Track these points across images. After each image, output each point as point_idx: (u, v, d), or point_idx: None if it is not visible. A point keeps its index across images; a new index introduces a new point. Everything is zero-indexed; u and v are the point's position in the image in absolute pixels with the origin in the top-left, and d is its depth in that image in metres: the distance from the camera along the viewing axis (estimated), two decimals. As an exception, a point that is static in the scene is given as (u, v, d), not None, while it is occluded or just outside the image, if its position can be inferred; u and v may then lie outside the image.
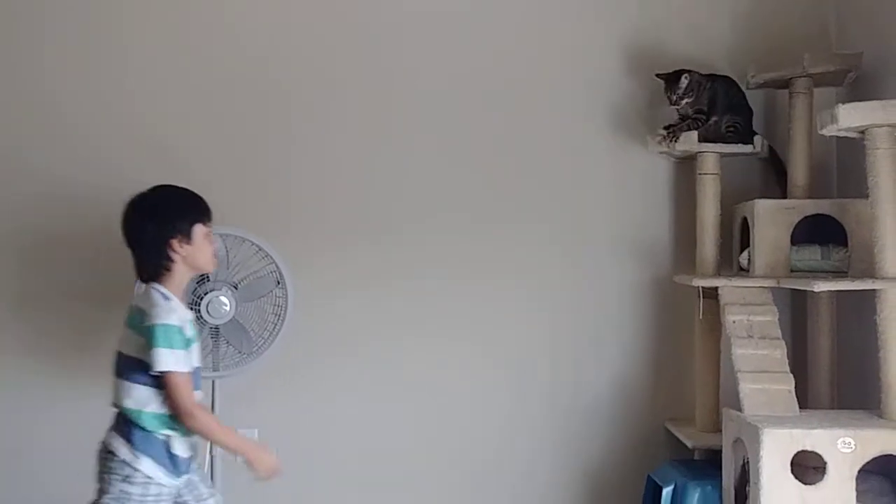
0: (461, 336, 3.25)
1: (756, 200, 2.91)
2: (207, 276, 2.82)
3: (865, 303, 2.58)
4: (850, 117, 2.44)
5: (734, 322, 2.74)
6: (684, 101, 3.00)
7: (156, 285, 2.23)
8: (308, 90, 3.24)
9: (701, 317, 3.02)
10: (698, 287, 2.97)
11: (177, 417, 2.14)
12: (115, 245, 3.13)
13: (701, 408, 3.07)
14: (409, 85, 3.25)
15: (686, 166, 3.18)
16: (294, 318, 2.90)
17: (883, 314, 2.47)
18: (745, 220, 2.98)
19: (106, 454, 2.17)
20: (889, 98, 2.50)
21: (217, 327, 2.84)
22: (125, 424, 2.17)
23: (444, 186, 3.25)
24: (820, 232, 2.87)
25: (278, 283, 2.86)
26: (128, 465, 2.14)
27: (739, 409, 2.60)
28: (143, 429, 2.16)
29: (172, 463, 2.20)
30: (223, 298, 2.79)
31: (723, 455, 2.72)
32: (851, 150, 2.81)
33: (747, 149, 3.02)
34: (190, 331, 2.25)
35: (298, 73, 3.25)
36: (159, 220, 2.22)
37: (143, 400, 2.17)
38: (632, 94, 3.18)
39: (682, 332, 3.20)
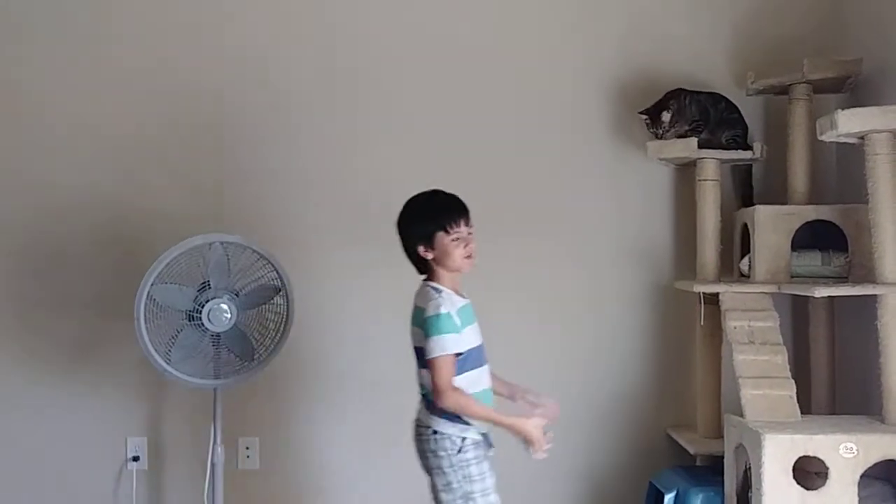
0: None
1: (756, 206, 2.92)
2: (209, 284, 2.83)
3: (866, 308, 2.58)
4: (849, 123, 2.45)
5: (735, 328, 2.74)
6: (671, 132, 3.03)
7: (428, 282, 2.46)
8: (312, 98, 3.25)
9: (702, 323, 3.02)
10: (699, 293, 2.97)
11: (435, 395, 2.35)
12: (115, 253, 3.19)
13: (702, 414, 3.08)
14: (411, 94, 3.26)
15: (686, 173, 3.19)
16: (296, 326, 2.90)
17: (883, 319, 2.47)
18: (745, 225, 2.98)
19: (432, 434, 2.40)
20: (888, 104, 2.52)
21: (218, 335, 2.83)
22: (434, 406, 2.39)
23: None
24: (820, 237, 2.87)
25: (279, 290, 2.86)
26: (456, 436, 2.39)
27: (741, 415, 2.60)
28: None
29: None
30: (224, 306, 2.79)
31: (724, 461, 2.72)
32: (851, 156, 2.82)
33: (747, 154, 3.03)
34: (458, 317, 2.41)
35: (303, 82, 3.25)
36: (408, 227, 2.46)
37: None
38: (632, 102, 3.18)
39: (684, 338, 3.20)
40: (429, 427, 2.41)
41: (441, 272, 2.44)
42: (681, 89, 3.05)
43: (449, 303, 2.39)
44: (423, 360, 2.38)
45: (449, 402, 2.35)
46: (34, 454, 3.21)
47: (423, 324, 2.37)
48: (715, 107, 3.05)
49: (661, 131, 3.03)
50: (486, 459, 2.46)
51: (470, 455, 2.41)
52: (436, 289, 2.42)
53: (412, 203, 2.47)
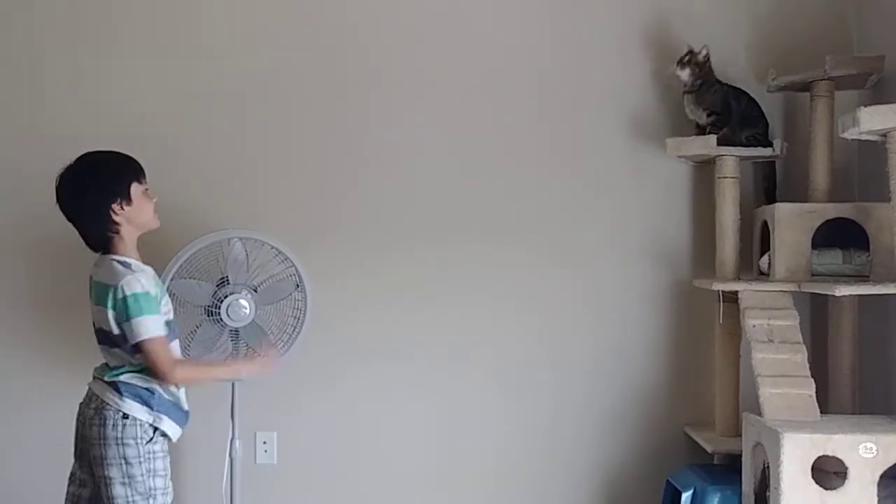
0: (479, 341, 3.25)
1: (776, 204, 2.90)
2: (227, 279, 2.84)
3: (887, 307, 2.57)
4: (871, 120, 2.42)
5: (754, 326, 2.73)
6: (687, 71, 3.00)
7: (111, 255, 2.32)
8: (332, 94, 3.25)
9: (721, 321, 3.01)
10: (718, 291, 2.96)
11: (159, 379, 2.27)
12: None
13: (721, 412, 3.06)
14: (426, 91, 3.26)
15: (705, 170, 3.17)
16: (314, 322, 2.91)
17: (905, 319, 2.46)
18: (765, 223, 2.97)
19: (121, 419, 2.26)
20: (911, 101, 2.48)
21: (237, 330, 2.85)
22: (127, 387, 2.29)
23: (463, 194, 3.26)
24: (841, 236, 2.85)
25: (297, 286, 2.88)
26: (150, 425, 2.30)
27: (759, 414, 2.59)
28: (149, 389, 2.31)
29: (178, 418, 2.38)
30: (243, 301, 2.81)
31: (742, 460, 2.71)
32: (873, 154, 2.79)
33: (766, 152, 3.00)
34: (156, 288, 2.34)
35: (321, 78, 3.26)
36: (96, 188, 2.29)
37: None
38: (651, 99, 3.18)
39: (702, 337, 3.19)
40: (119, 410, 2.27)
41: (125, 239, 2.31)
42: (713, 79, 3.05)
43: (144, 278, 2.28)
44: (114, 340, 2.28)
45: (179, 378, 2.28)
46: (52, 448, 3.23)
47: (117, 305, 2.24)
48: (738, 101, 3.03)
49: (687, 58, 3.01)
50: (169, 455, 2.37)
51: (158, 447, 2.32)
52: (123, 263, 2.29)
53: (89, 165, 2.33)
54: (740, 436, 2.74)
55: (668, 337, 3.24)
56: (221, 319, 2.81)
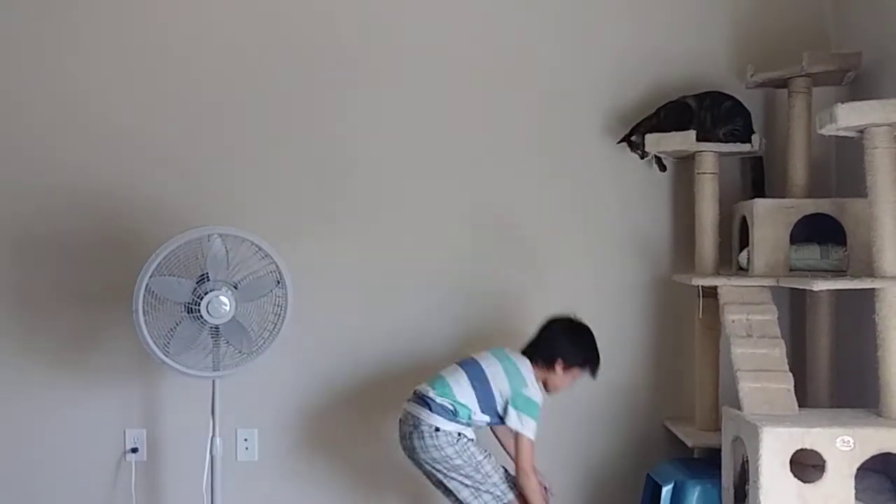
0: (463, 335, 3.26)
1: (755, 199, 2.92)
2: (207, 276, 2.83)
3: (864, 302, 2.59)
4: (848, 117, 2.45)
5: (733, 321, 2.74)
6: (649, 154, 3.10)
7: (534, 366, 2.80)
8: (315, 92, 3.24)
9: (700, 316, 3.03)
10: (698, 286, 2.97)
11: (518, 468, 2.73)
12: (114, 245, 3.19)
13: (700, 406, 3.08)
14: (411, 85, 3.26)
15: (685, 166, 3.19)
16: (294, 319, 2.89)
17: (881, 313, 2.47)
18: (744, 219, 2.99)
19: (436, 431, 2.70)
20: (887, 97, 2.50)
21: (217, 327, 2.83)
22: (450, 412, 2.72)
23: (445, 189, 3.26)
24: (819, 231, 2.87)
25: (278, 282, 2.86)
26: (461, 434, 2.73)
27: (739, 408, 2.61)
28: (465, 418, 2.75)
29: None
30: (223, 298, 2.79)
31: (722, 454, 2.72)
32: (850, 150, 2.82)
33: (745, 147, 3.02)
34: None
35: (302, 76, 3.25)
36: (571, 349, 2.83)
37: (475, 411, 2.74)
38: (631, 95, 3.19)
39: (682, 331, 3.21)
40: (431, 425, 2.70)
41: (538, 373, 2.79)
42: (649, 116, 3.10)
43: (542, 396, 2.76)
44: (488, 396, 2.73)
45: (530, 482, 2.71)
46: (33, 446, 3.22)
47: (516, 392, 2.72)
48: (700, 105, 3.04)
49: (640, 153, 3.10)
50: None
51: (465, 440, 2.72)
52: (535, 377, 2.78)
53: (588, 334, 2.86)
54: (720, 430, 2.76)
55: (647, 332, 3.25)
56: (202, 316, 2.78)
